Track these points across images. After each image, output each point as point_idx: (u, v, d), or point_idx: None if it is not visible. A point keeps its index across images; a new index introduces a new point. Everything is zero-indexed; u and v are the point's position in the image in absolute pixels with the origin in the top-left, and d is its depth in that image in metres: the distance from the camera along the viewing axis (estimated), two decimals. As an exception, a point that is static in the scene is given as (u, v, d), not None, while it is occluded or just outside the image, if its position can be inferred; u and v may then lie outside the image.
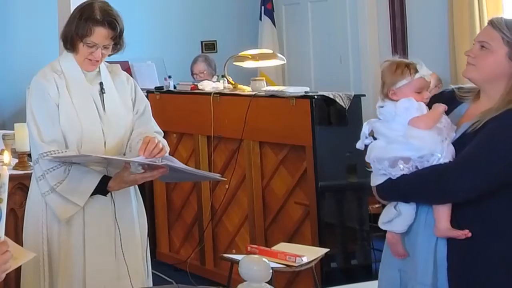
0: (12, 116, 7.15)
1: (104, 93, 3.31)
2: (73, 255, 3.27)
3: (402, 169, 2.49)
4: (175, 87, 5.82)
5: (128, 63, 7.03)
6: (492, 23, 2.52)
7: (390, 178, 2.53)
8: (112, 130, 3.29)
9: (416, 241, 2.56)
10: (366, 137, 2.62)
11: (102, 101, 3.31)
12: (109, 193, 3.26)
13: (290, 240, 4.70)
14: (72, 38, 3.24)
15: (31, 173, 4.27)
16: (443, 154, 2.45)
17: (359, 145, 2.65)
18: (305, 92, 4.76)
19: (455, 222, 2.47)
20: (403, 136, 2.50)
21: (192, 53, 7.23)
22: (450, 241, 2.48)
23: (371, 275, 4.71)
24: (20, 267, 3.34)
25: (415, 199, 2.53)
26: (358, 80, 7.05)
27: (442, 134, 2.48)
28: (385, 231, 5.42)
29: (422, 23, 6.60)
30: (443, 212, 2.48)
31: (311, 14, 7.64)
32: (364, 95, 5.02)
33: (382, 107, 2.61)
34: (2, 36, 7.37)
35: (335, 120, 4.66)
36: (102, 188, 3.21)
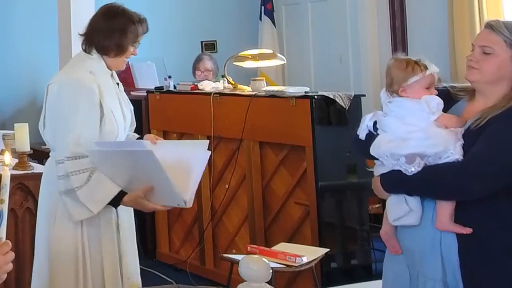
0: (12, 116, 7.16)
1: (120, 91, 3.48)
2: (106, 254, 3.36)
3: (419, 165, 2.50)
4: (175, 87, 5.82)
5: (128, 63, 7.03)
6: (491, 26, 2.53)
7: (396, 170, 2.54)
8: (126, 127, 3.47)
9: (424, 237, 2.57)
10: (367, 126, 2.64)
11: (121, 100, 3.46)
12: None
13: (290, 240, 4.70)
14: (126, 44, 3.38)
15: (32, 173, 4.29)
16: (455, 152, 2.47)
17: (362, 135, 2.66)
18: (305, 92, 4.77)
19: (462, 219, 2.49)
20: (424, 132, 2.51)
21: (192, 53, 7.22)
22: (460, 238, 2.49)
23: (371, 275, 4.71)
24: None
25: (424, 194, 2.54)
26: (358, 80, 7.05)
27: (457, 135, 2.50)
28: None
29: (422, 23, 6.61)
30: (446, 207, 2.50)
31: (311, 14, 7.63)
32: (364, 95, 5.03)
33: (390, 102, 2.61)
34: (2, 36, 7.37)
35: (335, 120, 4.66)
36: (116, 201, 3.27)
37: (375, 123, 2.65)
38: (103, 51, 3.39)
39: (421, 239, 2.57)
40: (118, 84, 3.51)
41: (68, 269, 3.33)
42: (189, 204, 3.24)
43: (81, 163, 3.23)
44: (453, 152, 2.47)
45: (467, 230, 2.47)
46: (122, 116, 3.42)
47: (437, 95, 2.61)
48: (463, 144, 2.48)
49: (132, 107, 3.56)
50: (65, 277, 3.34)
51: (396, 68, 2.62)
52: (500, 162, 2.41)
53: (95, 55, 3.40)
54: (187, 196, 3.21)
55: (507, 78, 2.50)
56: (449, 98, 2.63)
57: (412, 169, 2.51)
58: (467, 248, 2.49)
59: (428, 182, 2.50)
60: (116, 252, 3.37)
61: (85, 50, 3.43)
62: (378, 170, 2.64)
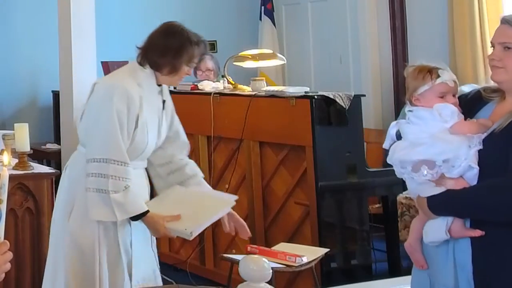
0: (12, 116, 7.16)
1: (164, 109, 3.53)
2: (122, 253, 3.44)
3: (426, 174, 2.44)
4: (175, 87, 5.81)
5: (128, 63, 7.03)
6: (507, 21, 2.44)
7: (444, 193, 2.45)
8: (158, 143, 3.54)
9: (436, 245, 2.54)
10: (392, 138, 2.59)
11: (161, 117, 3.51)
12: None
13: (290, 240, 4.70)
14: (180, 64, 3.42)
15: (32, 173, 4.29)
16: (468, 158, 2.41)
17: (386, 145, 2.61)
18: (305, 92, 4.76)
19: (477, 227, 2.45)
20: (431, 138, 2.46)
21: (192, 53, 7.20)
22: (474, 245, 2.45)
23: (371, 275, 4.71)
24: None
25: (473, 216, 2.45)
26: (358, 80, 7.05)
27: (471, 141, 2.44)
28: (385, 231, 5.43)
29: (422, 23, 6.61)
30: None
31: (311, 14, 7.64)
32: (364, 95, 5.02)
33: (411, 111, 2.56)
34: (3, 37, 7.37)
35: (335, 120, 4.66)
36: (138, 216, 3.37)
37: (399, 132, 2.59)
38: (156, 68, 3.44)
39: (435, 246, 2.55)
40: (164, 101, 3.54)
41: (87, 261, 3.40)
42: (191, 238, 3.43)
43: (122, 170, 3.30)
44: (466, 158, 2.40)
45: (478, 233, 2.42)
46: (156, 133, 3.48)
47: (466, 98, 2.56)
48: (485, 149, 2.41)
49: (179, 129, 3.63)
50: (84, 269, 3.41)
51: (410, 77, 2.58)
52: None
53: (148, 69, 3.45)
54: (196, 232, 3.40)
55: None
56: (479, 101, 2.56)
57: (416, 178, 2.46)
58: (481, 256, 2.45)
59: (475, 204, 2.42)
60: (123, 252, 3.42)
61: (139, 63, 3.48)
62: (426, 191, 2.51)
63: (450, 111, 2.49)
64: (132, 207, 3.33)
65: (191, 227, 3.37)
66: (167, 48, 3.41)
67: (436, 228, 2.51)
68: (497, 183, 2.39)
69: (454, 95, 2.55)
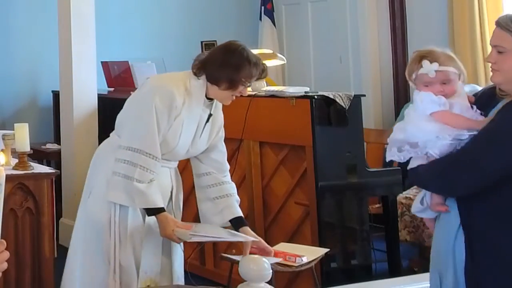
0: (12, 116, 7.15)
1: (207, 122, 3.60)
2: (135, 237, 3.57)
3: (393, 155, 2.58)
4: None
5: (128, 63, 7.03)
6: (498, 24, 2.48)
7: (419, 165, 2.58)
8: (191, 155, 3.66)
9: (441, 236, 2.60)
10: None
11: (203, 129, 3.59)
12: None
13: (290, 240, 4.70)
14: (237, 81, 3.49)
15: (32, 173, 4.29)
16: (431, 147, 2.51)
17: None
18: (305, 92, 4.77)
19: (467, 220, 2.49)
20: (407, 121, 2.58)
21: (192, 53, 7.15)
22: (468, 242, 2.48)
23: (371, 275, 4.71)
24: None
25: (427, 188, 2.60)
26: (358, 80, 7.05)
27: (442, 133, 2.51)
28: (385, 231, 5.43)
29: (422, 23, 6.61)
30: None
31: (311, 14, 7.64)
32: (364, 95, 5.02)
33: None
34: (3, 36, 7.37)
35: (335, 120, 4.66)
36: (155, 211, 3.49)
37: None
38: (214, 82, 3.52)
39: (439, 238, 2.61)
40: (211, 115, 3.61)
41: (100, 240, 3.54)
42: (189, 240, 3.53)
43: (152, 163, 3.45)
44: (431, 147, 2.51)
45: (443, 208, 2.53)
46: (190, 140, 3.56)
47: (480, 93, 2.64)
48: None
49: (217, 145, 3.69)
50: (97, 246, 3.55)
51: (410, 61, 2.69)
52: (484, 155, 2.42)
53: (202, 80, 3.54)
54: (196, 238, 3.50)
55: None
56: (493, 98, 2.59)
57: (388, 156, 2.61)
58: (474, 252, 2.47)
59: (434, 177, 2.53)
60: (128, 239, 3.53)
61: (194, 73, 3.57)
62: (411, 163, 2.66)
63: (430, 100, 2.56)
64: (152, 199, 3.45)
65: (194, 232, 3.47)
66: (226, 64, 3.50)
67: (417, 199, 2.67)
68: (440, 158, 2.50)
69: (444, 83, 2.60)
